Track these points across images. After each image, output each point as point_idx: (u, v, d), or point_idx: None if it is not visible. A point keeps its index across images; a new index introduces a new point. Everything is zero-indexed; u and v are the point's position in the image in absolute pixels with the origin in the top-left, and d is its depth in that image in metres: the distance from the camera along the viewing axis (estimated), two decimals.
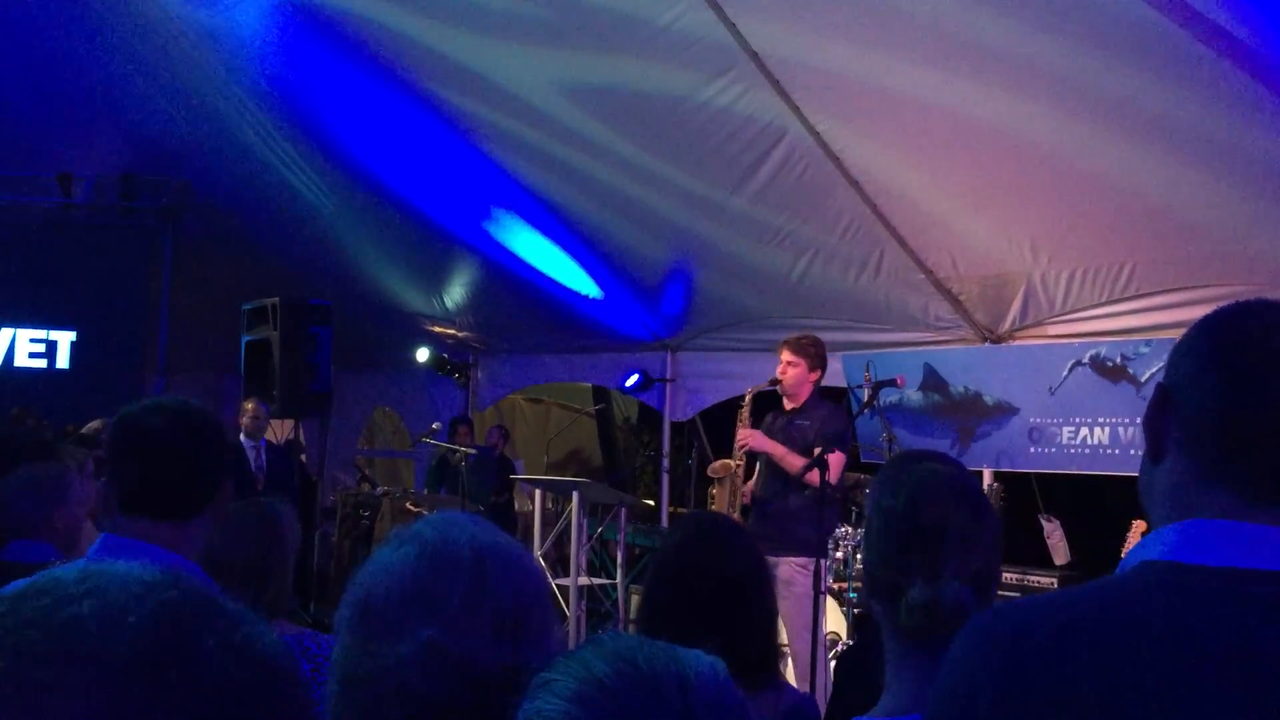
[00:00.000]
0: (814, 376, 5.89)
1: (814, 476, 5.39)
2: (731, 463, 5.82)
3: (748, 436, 5.76)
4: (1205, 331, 1.17)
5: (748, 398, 6.01)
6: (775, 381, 5.89)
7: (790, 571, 5.47)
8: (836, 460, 5.57)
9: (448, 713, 1.21)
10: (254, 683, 0.65)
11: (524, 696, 0.93)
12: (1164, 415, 1.17)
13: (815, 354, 5.89)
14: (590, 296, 8.78)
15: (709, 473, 5.89)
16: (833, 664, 6.00)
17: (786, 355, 5.87)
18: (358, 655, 1.25)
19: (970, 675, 1.08)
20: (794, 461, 5.65)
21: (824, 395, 6.16)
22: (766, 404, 6.13)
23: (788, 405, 5.92)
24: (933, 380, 7.08)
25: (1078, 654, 1.03)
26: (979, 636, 1.10)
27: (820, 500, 5.36)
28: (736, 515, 5.70)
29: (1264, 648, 1.01)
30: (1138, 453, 1.22)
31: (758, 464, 5.95)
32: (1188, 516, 1.11)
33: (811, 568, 5.67)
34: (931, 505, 1.70)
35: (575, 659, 0.93)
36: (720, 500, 5.85)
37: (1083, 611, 1.08)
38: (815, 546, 5.61)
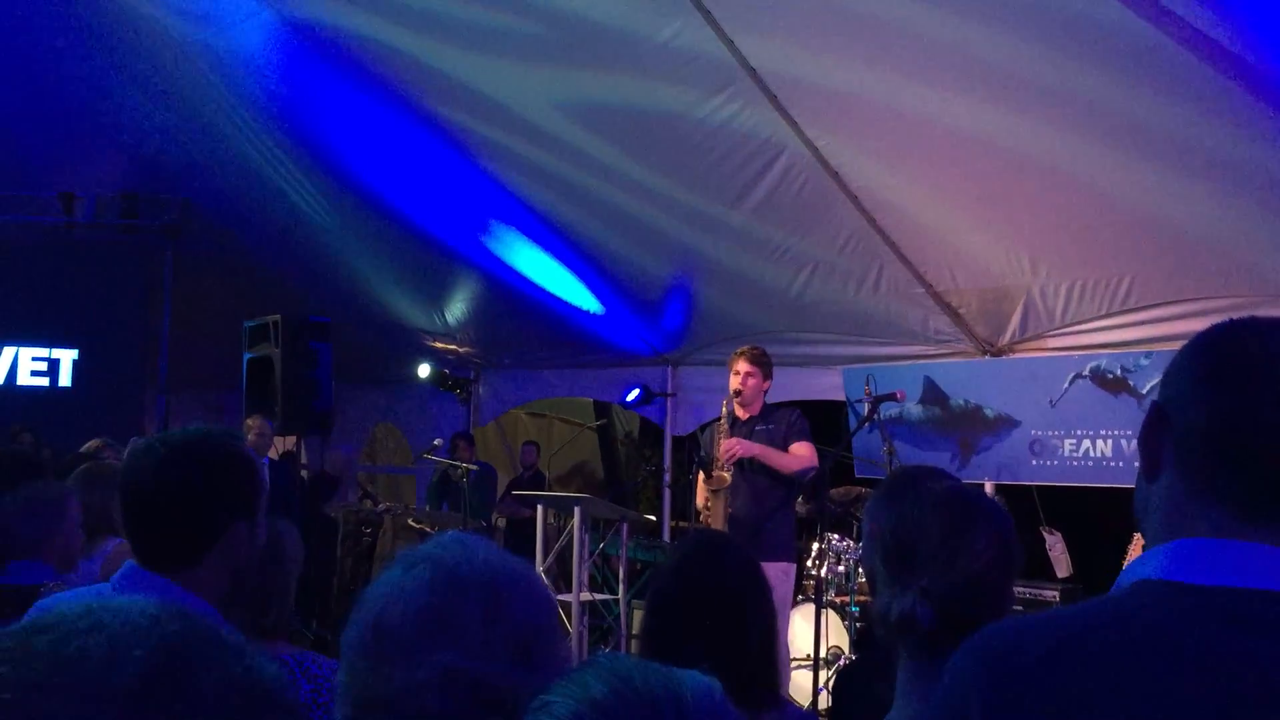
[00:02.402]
0: (766, 386, 6.02)
1: (803, 460, 5.74)
2: (727, 475, 5.81)
3: (735, 445, 5.78)
4: (1198, 349, 1.17)
5: (725, 410, 6.00)
6: (737, 393, 5.92)
7: (772, 578, 5.49)
8: (809, 449, 5.82)
9: None
10: (255, 714, 0.66)
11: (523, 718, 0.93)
12: (1158, 433, 1.17)
13: (768, 364, 6.04)
14: (591, 312, 8.79)
15: (712, 485, 5.86)
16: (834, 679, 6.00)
17: (745, 366, 5.94)
18: (372, 679, 1.24)
19: (962, 694, 1.08)
20: (782, 460, 5.78)
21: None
22: None
23: (743, 415, 5.98)
24: (933, 393, 7.08)
25: (1069, 673, 1.03)
26: (972, 655, 1.11)
27: (821, 510, 5.44)
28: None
29: (1257, 667, 1.01)
30: (1138, 470, 1.22)
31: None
32: (1181, 534, 1.11)
33: (790, 573, 5.77)
34: (912, 521, 1.71)
35: (572, 680, 0.93)
36: (716, 512, 5.83)
37: (1075, 630, 1.08)
38: (793, 550, 5.93)
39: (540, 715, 0.91)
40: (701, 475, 6.01)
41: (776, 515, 5.83)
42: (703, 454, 6.13)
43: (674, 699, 0.91)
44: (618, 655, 0.97)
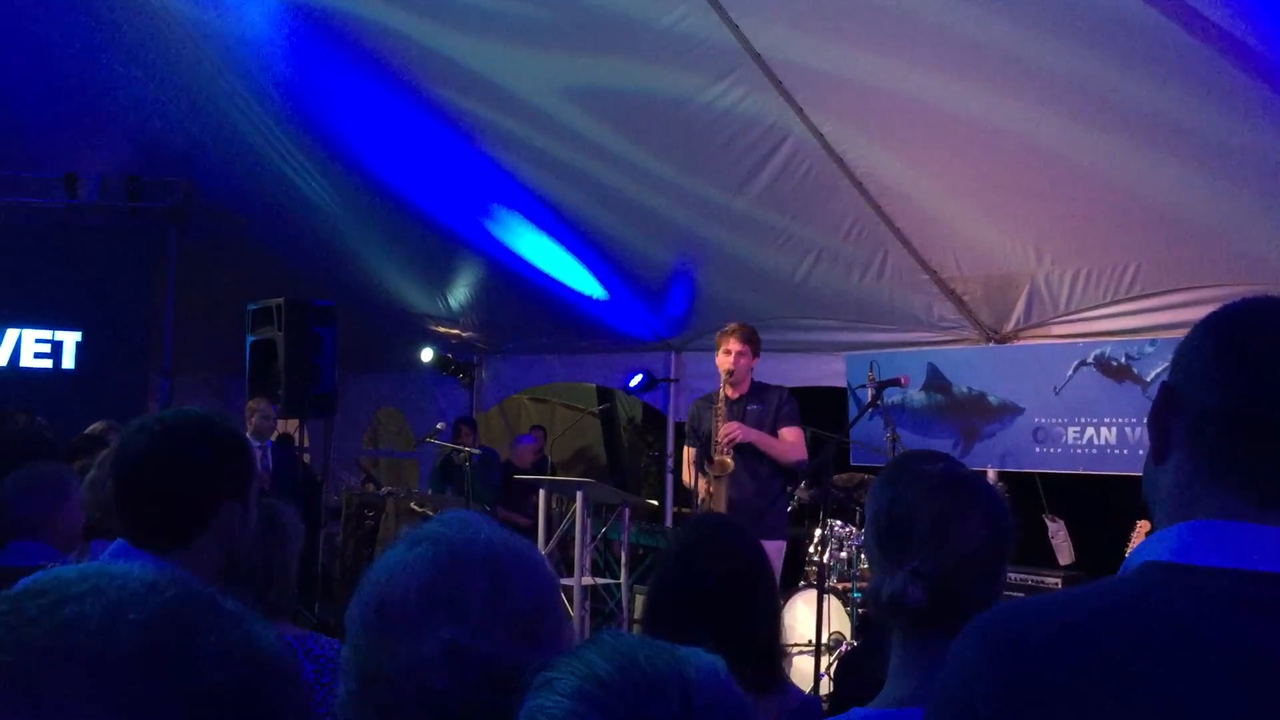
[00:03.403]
0: (754, 364, 6.01)
1: (796, 450, 5.83)
2: (729, 461, 5.81)
3: (734, 429, 5.77)
4: (1210, 330, 1.15)
5: (721, 392, 5.97)
6: (729, 372, 5.88)
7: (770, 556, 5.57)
8: (798, 436, 5.87)
9: (468, 712, 1.21)
10: (254, 681, 0.65)
11: (526, 694, 0.93)
12: (1168, 414, 1.16)
13: (758, 341, 6.03)
14: (594, 297, 8.79)
15: (713, 471, 5.85)
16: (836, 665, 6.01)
17: (735, 345, 5.91)
18: (376, 655, 1.25)
19: (970, 675, 1.07)
20: (776, 448, 5.83)
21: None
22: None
23: (732, 394, 5.95)
24: (936, 380, 7.08)
25: (1078, 655, 1.02)
26: (979, 636, 1.10)
27: (824, 496, 5.47)
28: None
29: (1267, 650, 1.00)
30: (1146, 452, 1.21)
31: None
32: (1191, 517, 1.10)
33: (782, 551, 5.91)
34: (905, 502, 1.71)
35: (577, 657, 0.93)
36: (719, 496, 5.84)
37: (1084, 612, 1.07)
38: (786, 530, 6.01)
39: (544, 691, 0.91)
40: (690, 452, 6.01)
41: (777, 500, 5.87)
42: (692, 429, 6.10)
43: (678, 675, 0.91)
44: (621, 633, 0.97)
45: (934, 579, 1.64)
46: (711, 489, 5.85)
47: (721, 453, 5.80)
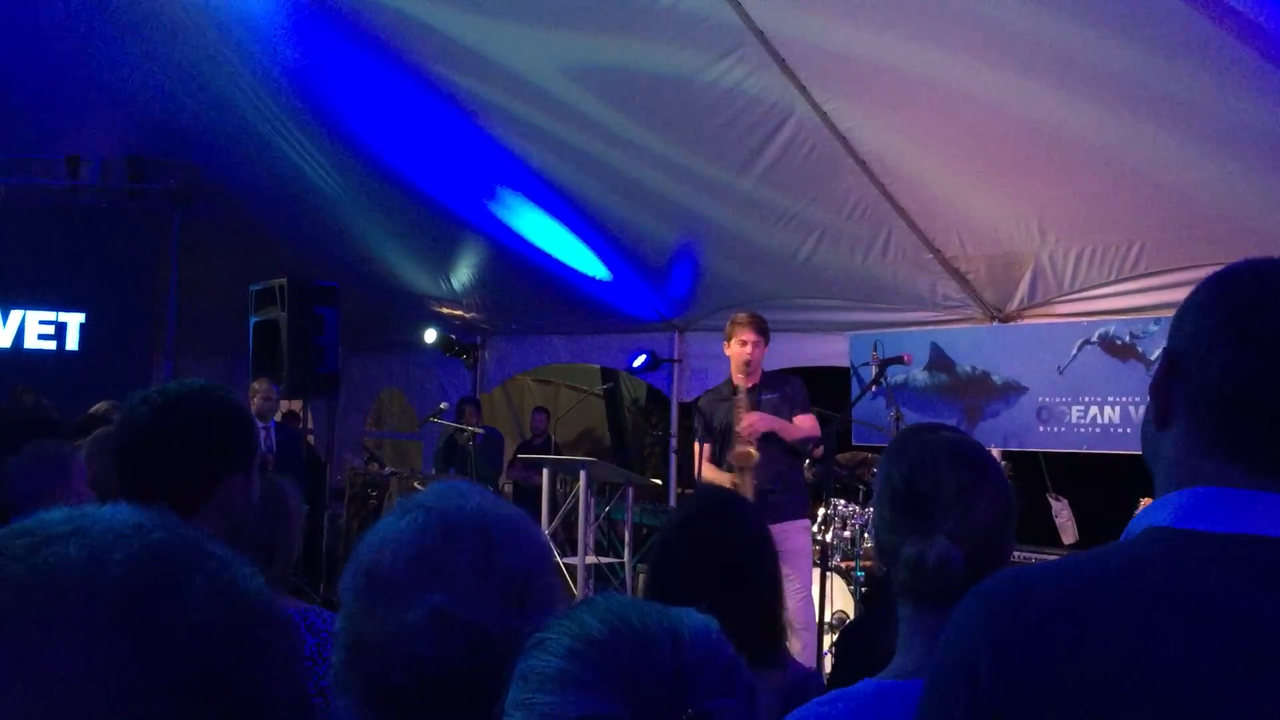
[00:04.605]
0: (764, 352, 5.95)
1: (810, 432, 5.87)
2: (754, 451, 5.72)
3: (756, 420, 5.72)
4: (1213, 294, 1.14)
5: (739, 384, 5.89)
6: (746, 364, 5.79)
7: (794, 536, 5.63)
8: (813, 421, 5.90)
9: (456, 678, 1.21)
10: (240, 623, 0.65)
11: (520, 655, 0.93)
12: (1171, 381, 1.15)
13: (768, 331, 5.94)
14: (597, 278, 8.78)
15: (737, 463, 5.74)
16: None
17: (750, 335, 5.80)
18: (365, 622, 1.25)
19: (970, 640, 1.07)
20: (794, 433, 5.82)
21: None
22: None
23: (746, 384, 5.84)
24: (940, 360, 7.06)
25: (1079, 620, 1.02)
26: (980, 602, 1.09)
27: (828, 476, 5.46)
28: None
29: (1267, 615, 1.00)
30: (1146, 415, 1.20)
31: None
32: (1193, 483, 1.10)
33: (809, 528, 5.97)
34: (928, 469, 1.72)
35: (570, 618, 0.93)
36: (745, 485, 5.75)
37: (1085, 577, 1.07)
38: (807, 506, 6.06)
39: (536, 653, 0.91)
40: (704, 448, 5.96)
41: (795, 482, 5.89)
42: (704, 424, 6.04)
43: (670, 634, 0.91)
44: (614, 595, 0.97)
45: (969, 544, 1.66)
46: (737, 480, 5.79)
47: (744, 443, 5.73)
